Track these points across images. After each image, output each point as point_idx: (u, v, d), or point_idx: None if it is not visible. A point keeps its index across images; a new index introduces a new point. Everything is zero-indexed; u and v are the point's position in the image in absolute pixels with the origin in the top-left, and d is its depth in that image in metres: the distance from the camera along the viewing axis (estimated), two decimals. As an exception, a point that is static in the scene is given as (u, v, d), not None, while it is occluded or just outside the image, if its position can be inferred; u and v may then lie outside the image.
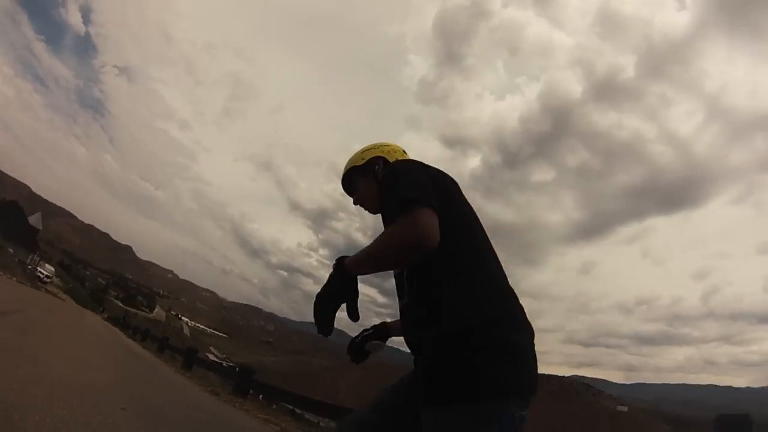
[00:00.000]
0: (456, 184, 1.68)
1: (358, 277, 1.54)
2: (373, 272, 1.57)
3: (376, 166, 1.91)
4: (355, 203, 2.10)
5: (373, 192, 1.91)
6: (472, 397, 1.33)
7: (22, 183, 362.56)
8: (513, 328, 1.46)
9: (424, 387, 1.46)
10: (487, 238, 1.63)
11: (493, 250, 1.62)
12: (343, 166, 2.05)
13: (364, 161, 1.95)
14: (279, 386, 11.48)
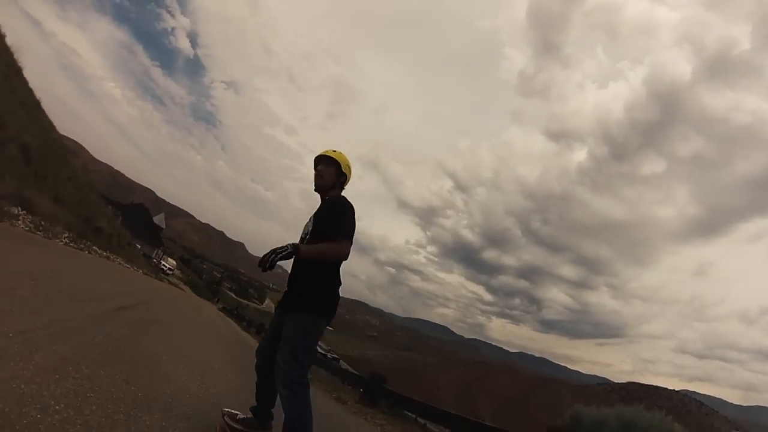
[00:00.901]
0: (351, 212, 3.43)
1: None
2: (309, 260, 3.14)
3: (338, 169, 3.54)
4: (315, 171, 3.53)
5: (328, 181, 3.52)
6: (305, 310, 3.18)
7: (148, 188, 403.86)
8: (331, 294, 3.31)
9: (288, 303, 3.33)
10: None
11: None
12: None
13: (338, 161, 3.50)
14: (408, 395, 10.54)
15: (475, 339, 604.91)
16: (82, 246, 15.95)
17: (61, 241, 12.54)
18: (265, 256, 2.86)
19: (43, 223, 12.08)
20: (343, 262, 3.31)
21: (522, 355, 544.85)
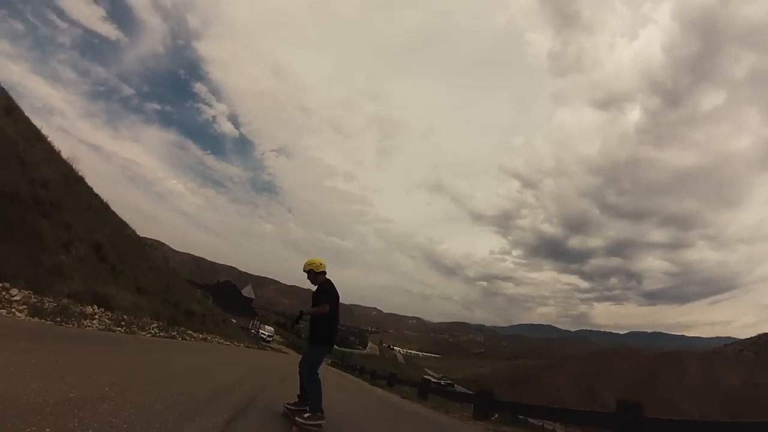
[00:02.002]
0: (337, 294, 6.14)
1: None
2: (311, 315, 6.10)
3: (311, 273, 6.37)
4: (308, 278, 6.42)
5: (312, 280, 6.39)
6: (314, 342, 6.13)
7: (230, 266, 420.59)
8: (330, 337, 6.12)
9: (308, 337, 6.34)
10: (337, 312, 6.12)
11: (337, 317, 6.19)
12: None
13: (307, 270, 6.38)
14: (518, 401, 13.17)
15: (582, 330, 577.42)
16: (175, 333, 15.05)
17: (149, 333, 11.49)
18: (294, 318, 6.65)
19: (125, 317, 11.07)
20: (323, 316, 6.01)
21: (634, 335, 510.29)
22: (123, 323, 10.35)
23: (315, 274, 6.24)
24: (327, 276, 6.27)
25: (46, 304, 8.07)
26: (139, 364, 6.17)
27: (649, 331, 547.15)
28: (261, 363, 18.60)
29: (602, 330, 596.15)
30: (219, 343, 21.70)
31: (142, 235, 31.93)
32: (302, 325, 7.44)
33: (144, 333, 11.09)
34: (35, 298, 8.07)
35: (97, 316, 9.45)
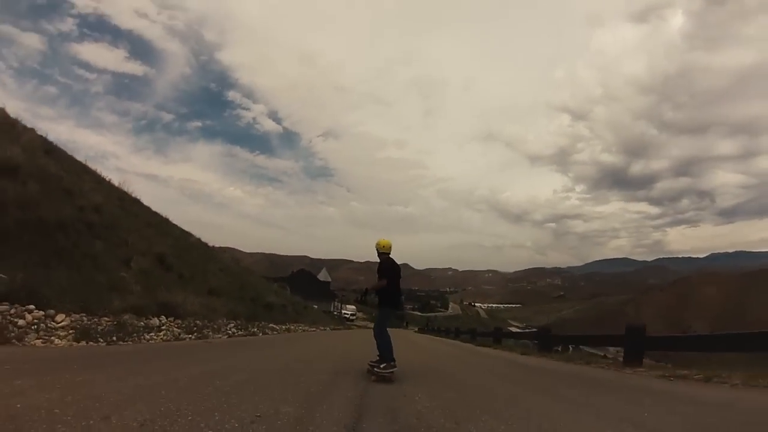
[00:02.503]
0: (398, 268, 7.53)
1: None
2: (376, 289, 7.45)
3: (378, 251, 7.55)
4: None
5: (379, 257, 7.55)
6: (381, 305, 7.42)
7: (302, 256, 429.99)
8: (392, 301, 7.41)
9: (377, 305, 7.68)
10: (398, 283, 7.46)
11: (398, 288, 7.50)
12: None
13: (377, 248, 7.54)
14: (573, 334, 16.84)
15: (659, 258, 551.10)
16: (255, 329, 14.47)
17: (226, 334, 10.77)
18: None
19: (197, 322, 10.37)
20: (400, 280, 7.57)
21: (715, 257, 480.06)
22: (195, 329, 9.62)
23: (378, 254, 7.49)
24: (391, 252, 7.56)
25: (103, 324, 7.34)
26: (189, 380, 4.91)
27: (731, 251, 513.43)
28: (347, 339, 18.02)
29: (680, 256, 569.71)
30: (304, 330, 21.32)
31: (212, 245, 32.20)
32: (373, 298, 8.78)
33: (219, 335, 10.42)
34: (88, 320, 7.36)
35: (164, 327, 8.74)
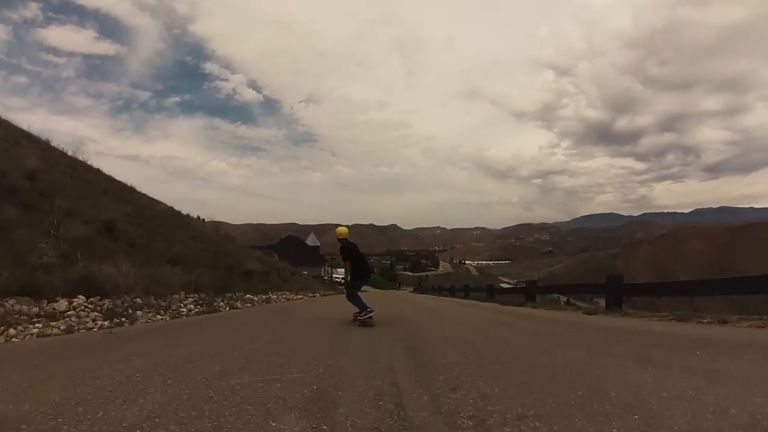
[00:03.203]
0: (354, 246, 9.15)
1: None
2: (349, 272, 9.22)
3: (338, 239, 9.30)
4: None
5: (340, 243, 9.27)
6: (350, 279, 9.13)
7: (290, 224, 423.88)
8: (360, 275, 9.20)
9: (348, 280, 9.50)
10: (363, 262, 9.37)
11: (363, 263, 9.36)
12: None
13: (337, 237, 9.33)
14: (552, 284, 25.97)
15: (646, 213, 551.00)
16: (224, 302, 12.19)
17: (178, 313, 8.33)
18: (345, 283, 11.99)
19: (135, 301, 7.98)
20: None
21: (700, 212, 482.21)
22: (123, 312, 7.27)
23: (338, 240, 9.27)
24: (350, 238, 9.40)
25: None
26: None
27: (715, 206, 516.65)
28: (336, 307, 16.00)
29: (666, 211, 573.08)
30: (287, 299, 19.10)
31: (188, 213, 29.90)
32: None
33: (159, 317, 7.98)
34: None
35: (73, 312, 6.38)
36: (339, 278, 71.29)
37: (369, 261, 12.27)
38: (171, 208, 26.17)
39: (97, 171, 23.02)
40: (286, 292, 21.95)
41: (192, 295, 10.99)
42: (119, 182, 23.93)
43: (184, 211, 27.39)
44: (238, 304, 12.50)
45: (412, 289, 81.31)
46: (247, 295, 15.66)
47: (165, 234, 17.60)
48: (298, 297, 20.90)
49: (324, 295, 28.19)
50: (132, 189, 24.00)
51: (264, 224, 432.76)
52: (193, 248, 18.07)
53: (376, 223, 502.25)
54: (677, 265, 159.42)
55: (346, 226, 9.73)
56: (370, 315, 8.38)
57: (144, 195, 24.46)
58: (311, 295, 25.80)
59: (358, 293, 8.91)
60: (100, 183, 20.50)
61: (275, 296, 18.60)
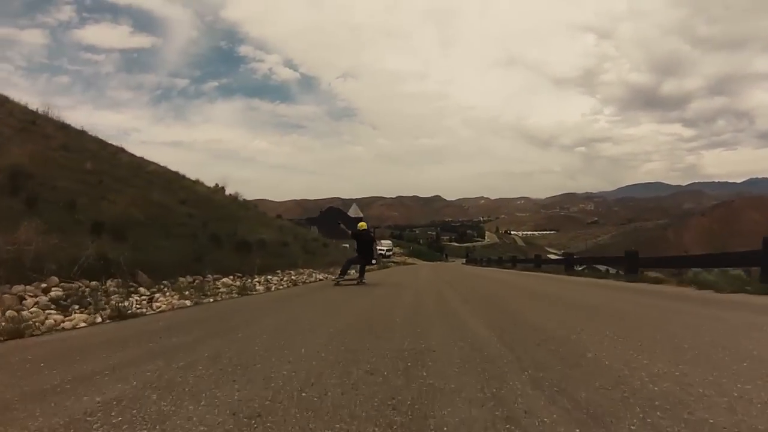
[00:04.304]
0: (364, 235, 12.21)
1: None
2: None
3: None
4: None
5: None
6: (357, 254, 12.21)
7: (333, 198, 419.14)
8: (362, 255, 11.96)
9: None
10: (366, 246, 12.05)
11: (366, 247, 12.03)
12: None
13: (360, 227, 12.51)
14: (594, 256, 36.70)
15: (695, 183, 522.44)
16: (215, 289, 6.30)
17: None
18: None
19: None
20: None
21: (754, 182, 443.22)
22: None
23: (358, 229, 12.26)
24: (367, 225, 12.85)
25: None
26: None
27: None
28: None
29: (717, 180, 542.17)
30: (294, 283, 12.50)
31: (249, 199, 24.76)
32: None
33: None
34: None
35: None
36: (383, 250, 64.90)
37: (377, 248, 15.33)
38: (143, 159, 20.30)
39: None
40: (308, 269, 15.89)
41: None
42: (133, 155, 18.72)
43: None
44: (160, 305, 6.29)
45: (464, 260, 75.06)
46: (225, 279, 9.59)
47: (116, 187, 11.65)
48: (318, 278, 14.36)
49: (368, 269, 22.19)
50: (83, 132, 18.10)
51: (308, 200, 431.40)
52: (152, 209, 11.97)
53: (419, 195, 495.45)
54: (733, 238, 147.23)
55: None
56: (343, 278, 11.33)
57: (102, 141, 18.78)
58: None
59: (364, 270, 11.96)
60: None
61: (279, 278, 12.76)
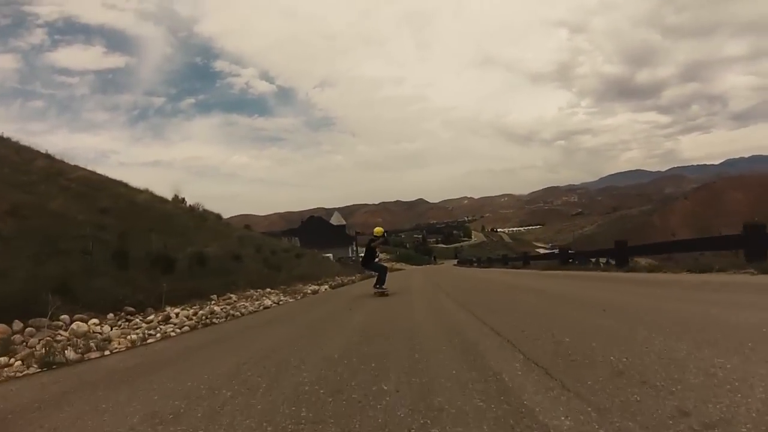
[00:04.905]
0: (369, 240, 11.81)
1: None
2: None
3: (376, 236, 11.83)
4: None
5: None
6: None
7: (316, 208, 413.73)
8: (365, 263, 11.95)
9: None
10: (367, 252, 11.57)
11: (367, 254, 11.57)
12: None
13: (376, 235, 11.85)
14: (588, 249, 24.66)
15: (674, 168, 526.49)
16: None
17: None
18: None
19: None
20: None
21: (731, 163, 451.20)
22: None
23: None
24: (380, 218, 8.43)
25: None
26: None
27: (747, 155, 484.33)
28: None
29: (695, 164, 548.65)
30: (204, 320, 8.54)
31: (227, 216, 21.22)
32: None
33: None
34: None
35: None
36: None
37: (376, 254, 11.95)
38: (99, 176, 17.03)
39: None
40: (264, 289, 12.22)
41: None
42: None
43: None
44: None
45: (456, 261, 72.14)
46: (93, 320, 5.91)
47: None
48: (268, 304, 10.32)
49: (336, 286, 17.68)
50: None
51: (291, 212, 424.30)
52: (62, 224, 8.40)
53: (402, 199, 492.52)
54: (718, 218, 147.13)
55: (379, 226, 13.33)
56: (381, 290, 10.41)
57: (32, 151, 15.34)
58: (313, 288, 15.51)
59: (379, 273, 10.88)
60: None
61: (197, 309, 8.26)
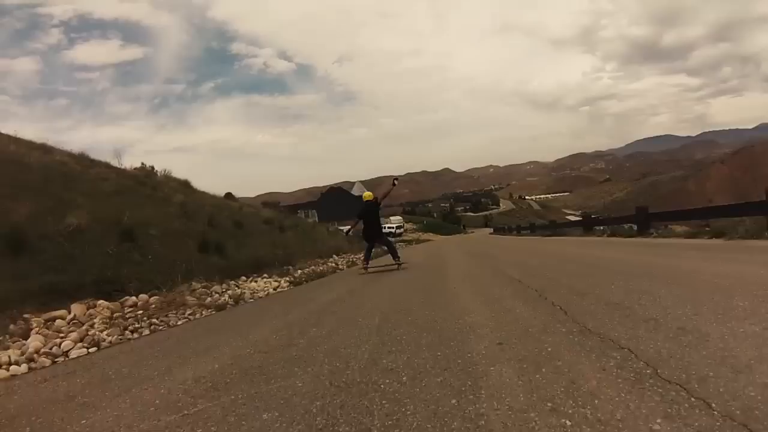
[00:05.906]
0: (370, 206, 10.13)
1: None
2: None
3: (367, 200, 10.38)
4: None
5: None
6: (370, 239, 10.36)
7: (341, 182, 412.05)
8: (365, 234, 10.34)
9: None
10: (371, 220, 10.13)
11: (368, 221, 10.12)
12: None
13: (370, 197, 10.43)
14: (613, 216, 23.03)
15: (705, 132, 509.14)
16: None
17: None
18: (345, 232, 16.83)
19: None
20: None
21: (766, 127, 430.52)
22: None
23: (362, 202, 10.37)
24: (375, 196, 10.37)
25: None
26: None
27: None
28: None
29: (728, 128, 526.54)
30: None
31: (253, 195, 17.53)
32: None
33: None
34: None
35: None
36: (392, 228, 56.41)
37: (383, 223, 11.63)
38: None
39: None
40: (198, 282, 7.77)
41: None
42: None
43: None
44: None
45: (491, 230, 68.07)
46: None
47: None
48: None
49: (315, 277, 13.83)
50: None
51: (316, 186, 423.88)
52: None
53: (428, 169, 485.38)
54: (758, 183, 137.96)
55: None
56: (398, 263, 9.84)
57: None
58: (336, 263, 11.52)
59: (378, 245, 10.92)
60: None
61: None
